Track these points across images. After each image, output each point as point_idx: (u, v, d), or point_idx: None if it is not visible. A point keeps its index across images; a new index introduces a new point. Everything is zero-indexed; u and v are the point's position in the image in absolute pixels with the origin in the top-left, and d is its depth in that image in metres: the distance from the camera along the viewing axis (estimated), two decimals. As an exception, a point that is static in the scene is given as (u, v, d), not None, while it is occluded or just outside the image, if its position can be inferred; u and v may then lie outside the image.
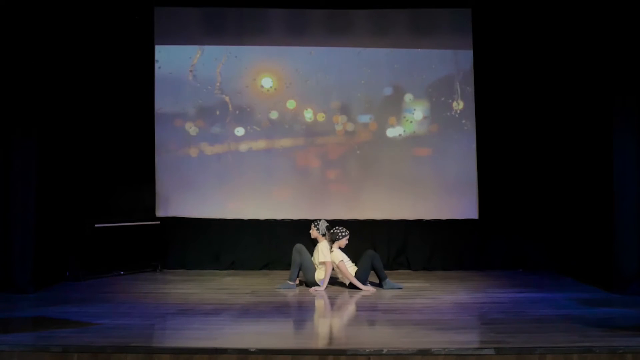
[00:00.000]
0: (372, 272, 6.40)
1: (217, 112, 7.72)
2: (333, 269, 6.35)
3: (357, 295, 6.08)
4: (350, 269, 6.34)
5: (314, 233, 6.50)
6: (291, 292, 6.25)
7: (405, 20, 7.71)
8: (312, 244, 6.59)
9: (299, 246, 6.44)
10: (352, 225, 7.41)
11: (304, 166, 7.74)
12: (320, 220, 6.60)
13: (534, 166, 7.55)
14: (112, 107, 7.54)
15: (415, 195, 7.64)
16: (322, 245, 6.35)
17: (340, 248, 6.41)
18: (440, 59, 7.69)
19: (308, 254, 6.43)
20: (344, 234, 6.39)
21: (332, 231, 6.41)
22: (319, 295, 6.11)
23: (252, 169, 7.68)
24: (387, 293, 6.16)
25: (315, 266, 6.40)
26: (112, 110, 7.54)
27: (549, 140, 7.52)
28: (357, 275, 6.30)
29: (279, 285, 6.41)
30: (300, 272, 6.44)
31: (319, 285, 6.32)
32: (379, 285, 6.40)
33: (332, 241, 6.37)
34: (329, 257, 6.29)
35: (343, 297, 6.04)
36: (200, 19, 7.73)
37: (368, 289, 6.24)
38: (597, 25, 6.56)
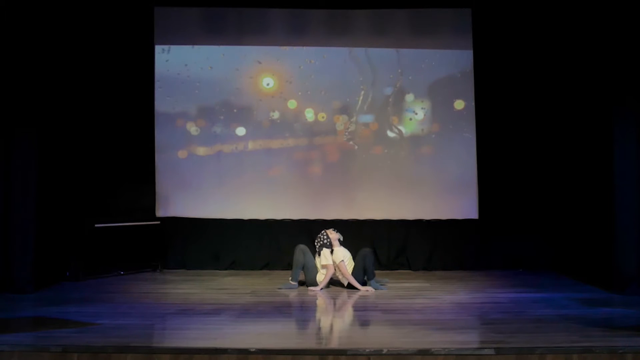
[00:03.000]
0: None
1: (218, 112, 7.72)
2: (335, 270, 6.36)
3: (357, 295, 6.08)
4: (350, 267, 6.35)
5: (333, 235, 6.44)
6: (292, 292, 6.25)
7: (406, 20, 7.71)
8: (313, 245, 6.57)
9: (303, 247, 6.44)
10: (352, 225, 7.45)
11: (305, 166, 7.74)
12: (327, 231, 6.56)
13: (534, 166, 7.56)
14: (112, 107, 7.54)
15: (415, 195, 7.64)
16: (327, 251, 6.34)
17: (340, 242, 6.42)
18: (440, 59, 7.70)
19: (311, 255, 6.43)
20: (326, 238, 6.37)
21: (318, 244, 6.39)
22: (319, 296, 6.11)
23: (252, 169, 7.68)
24: (387, 293, 6.16)
25: (318, 268, 6.41)
26: (112, 110, 7.55)
27: (549, 140, 7.52)
28: (353, 275, 6.31)
29: (280, 285, 6.41)
30: (301, 272, 6.44)
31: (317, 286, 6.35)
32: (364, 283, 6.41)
33: (324, 248, 6.36)
34: (331, 260, 6.30)
35: (343, 297, 6.04)
36: (200, 18, 7.73)
37: (367, 289, 6.24)
38: (597, 25, 6.56)
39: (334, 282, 6.63)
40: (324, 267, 6.32)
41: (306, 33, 7.74)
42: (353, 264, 6.41)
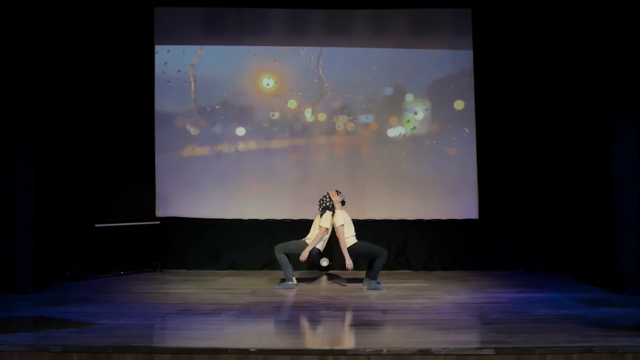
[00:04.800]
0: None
1: (218, 112, 7.72)
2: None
3: (357, 296, 6.08)
4: (348, 233, 6.37)
5: (336, 198, 6.47)
6: (291, 292, 6.25)
7: (405, 20, 7.71)
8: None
9: (277, 246, 6.47)
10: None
11: (305, 166, 7.74)
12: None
13: (534, 166, 7.56)
14: (112, 107, 7.55)
15: (415, 195, 7.64)
16: (329, 214, 6.38)
17: (343, 203, 6.50)
18: (440, 59, 7.70)
19: (287, 243, 6.46)
20: (328, 201, 6.43)
21: (321, 207, 6.46)
22: (318, 296, 6.11)
23: (252, 169, 7.68)
24: (387, 293, 6.16)
25: (308, 239, 6.45)
26: (112, 110, 7.55)
27: (549, 140, 7.52)
28: (354, 246, 6.34)
29: (278, 286, 6.41)
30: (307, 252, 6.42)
31: (319, 254, 6.43)
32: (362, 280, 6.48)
33: (327, 210, 6.41)
34: (330, 223, 6.36)
35: (343, 297, 6.04)
36: (200, 18, 7.73)
37: (350, 265, 6.25)
38: (596, 25, 6.56)
39: (334, 281, 6.62)
40: (320, 227, 6.36)
41: (306, 33, 7.74)
42: (354, 234, 6.41)
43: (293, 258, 6.46)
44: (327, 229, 6.37)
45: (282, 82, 7.75)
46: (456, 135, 7.68)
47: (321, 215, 6.43)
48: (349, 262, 6.27)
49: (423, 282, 6.85)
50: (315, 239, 6.35)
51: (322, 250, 6.51)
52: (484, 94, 7.62)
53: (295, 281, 6.45)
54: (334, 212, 6.41)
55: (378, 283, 6.35)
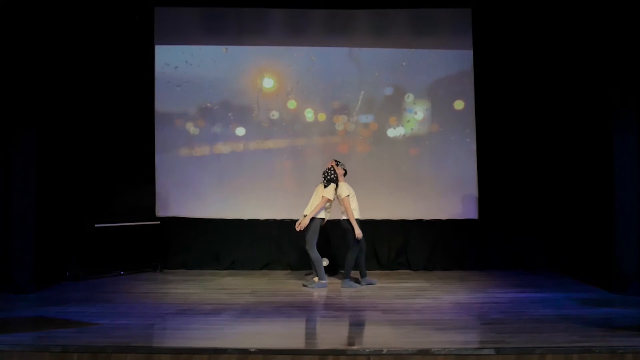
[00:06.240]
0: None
1: (218, 112, 7.72)
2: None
3: (357, 296, 6.08)
4: (354, 205, 6.42)
5: (340, 171, 6.53)
6: (291, 292, 6.25)
7: (406, 20, 7.71)
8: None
9: (307, 246, 6.44)
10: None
11: (305, 166, 7.73)
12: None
13: (534, 166, 7.56)
14: (112, 106, 7.55)
15: (415, 195, 7.64)
16: (333, 186, 6.41)
17: (345, 174, 6.58)
18: (440, 59, 7.69)
19: (307, 237, 6.45)
20: (333, 174, 6.46)
21: (326, 179, 6.46)
22: (318, 296, 6.11)
23: (252, 169, 7.68)
24: (387, 293, 6.17)
25: (318, 197, 6.48)
26: (112, 110, 7.56)
27: (549, 140, 7.53)
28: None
29: (310, 285, 6.42)
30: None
31: (322, 222, 6.47)
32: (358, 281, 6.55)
33: (331, 182, 6.44)
34: (333, 195, 6.41)
35: (342, 297, 6.04)
36: (200, 18, 7.73)
37: (359, 234, 6.32)
38: (596, 25, 6.56)
39: (333, 281, 6.60)
40: (322, 197, 6.39)
41: (306, 33, 7.74)
42: (356, 201, 6.47)
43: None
44: (328, 200, 6.40)
45: (282, 82, 7.74)
46: (456, 135, 7.68)
47: (325, 186, 6.44)
48: (358, 232, 6.33)
49: (423, 282, 6.85)
50: (315, 208, 6.38)
51: (326, 219, 6.54)
52: (484, 94, 7.62)
53: (326, 280, 6.47)
54: (337, 185, 6.43)
55: (351, 280, 6.43)
